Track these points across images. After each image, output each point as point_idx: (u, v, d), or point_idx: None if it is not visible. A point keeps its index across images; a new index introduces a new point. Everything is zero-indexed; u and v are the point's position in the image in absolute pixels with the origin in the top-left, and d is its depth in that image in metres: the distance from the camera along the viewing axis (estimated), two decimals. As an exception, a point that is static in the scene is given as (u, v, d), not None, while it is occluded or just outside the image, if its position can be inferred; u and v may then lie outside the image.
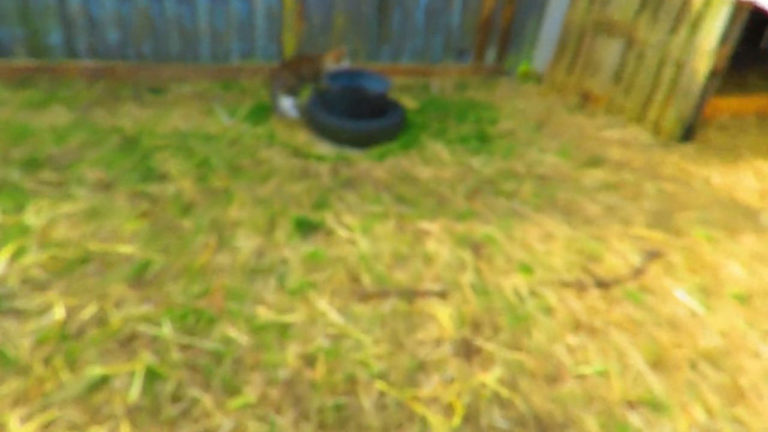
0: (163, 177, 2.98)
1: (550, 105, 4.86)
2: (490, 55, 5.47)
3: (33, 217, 2.50)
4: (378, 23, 4.94)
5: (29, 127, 3.26)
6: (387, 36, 5.04)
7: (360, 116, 3.48)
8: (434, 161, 3.54)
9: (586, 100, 5.03)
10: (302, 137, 3.65)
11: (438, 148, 3.71)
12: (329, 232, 2.73)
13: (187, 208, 2.74)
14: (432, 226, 2.86)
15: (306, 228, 2.72)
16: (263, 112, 3.89)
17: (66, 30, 4.12)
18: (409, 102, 4.40)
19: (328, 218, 2.81)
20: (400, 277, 2.48)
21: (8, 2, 3.90)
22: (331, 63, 3.82)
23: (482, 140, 3.94)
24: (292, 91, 3.76)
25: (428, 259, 2.62)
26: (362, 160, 3.44)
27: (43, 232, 2.42)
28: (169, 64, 4.49)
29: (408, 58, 5.22)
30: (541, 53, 5.42)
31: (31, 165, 2.91)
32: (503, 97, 4.94)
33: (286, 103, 3.75)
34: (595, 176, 3.62)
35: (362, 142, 3.54)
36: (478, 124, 4.22)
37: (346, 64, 3.85)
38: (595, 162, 3.81)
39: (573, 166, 3.73)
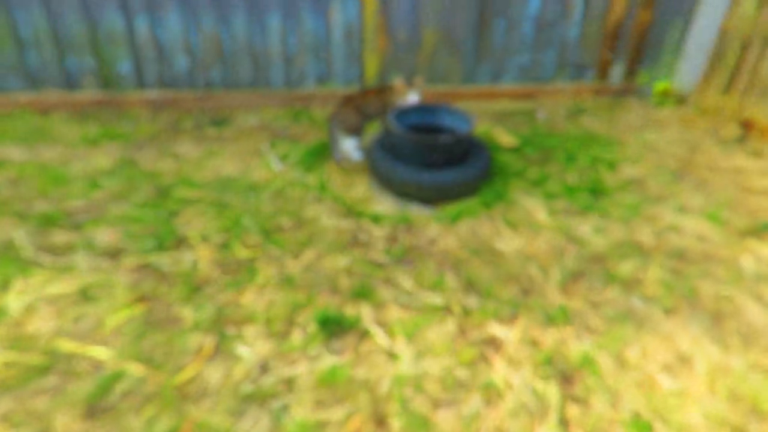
0: (181, 242, 2.50)
1: (697, 138, 3.74)
2: (617, 71, 4.42)
3: (14, 299, 2.12)
4: (475, 38, 4.16)
5: (65, 174, 2.98)
6: (486, 53, 4.24)
7: (432, 164, 2.77)
8: (525, 226, 2.70)
9: (748, 131, 3.82)
10: (360, 190, 2.99)
11: (533, 206, 2.86)
12: (363, 335, 2.04)
13: (195, 290, 2.22)
14: (507, 333, 2.07)
15: (333, 328, 2.06)
16: (322, 153, 3.33)
17: (135, 58, 3.89)
18: (504, 137, 3.58)
19: (366, 313, 2.12)
20: (446, 426, 1.75)
21: (76, 29, 3.75)
22: (400, 95, 3.16)
23: (596, 193, 3.02)
24: (355, 131, 3.14)
25: (492, 394, 1.83)
26: (429, 224, 2.70)
27: (17, 323, 2.03)
28: (238, 91, 4.12)
29: (511, 78, 4.37)
30: (687, 68, 4.26)
31: (46, 222, 2.57)
32: (631, 127, 3.91)
33: (348, 145, 3.14)
34: (763, 255, 2.58)
35: (432, 197, 2.80)
36: (593, 167, 3.28)
37: (415, 97, 3.16)
38: (762, 231, 2.73)
39: (728, 237, 2.67)
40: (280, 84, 4.18)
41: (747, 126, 3.89)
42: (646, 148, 3.61)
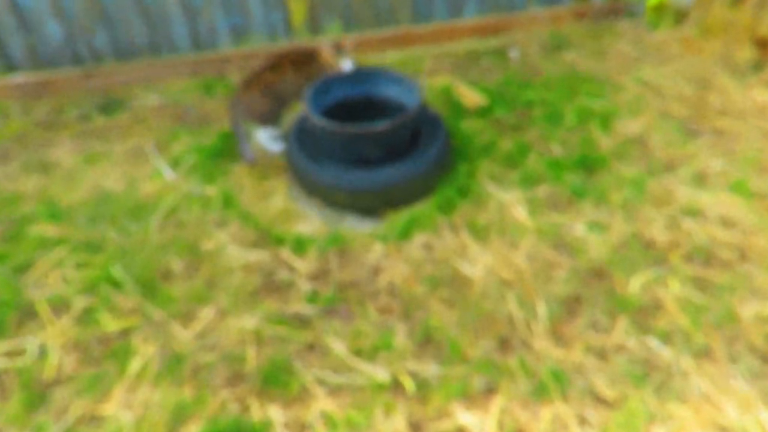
0: (25, 317, 1.78)
1: (705, 69, 2.99)
2: (603, -13, 3.60)
3: None
4: (425, -37, 3.29)
5: None
6: (439, -19, 3.38)
7: (368, 160, 2.06)
8: (498, 234, 2.01)
9: (766, 52, 3.10)
10: (278, 201, 2.22)
11: (508, 200, 2.14)
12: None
13: (37, 401, 1.58)
14: (480, 422, 1.47)
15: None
16: (228, 148, 2.50)
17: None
18: (469, 95, 2.80)
19: (277, 416, 1.49)
20: None
21: None
22: (328, 64, 2.35)
23: (589, 168, 2.31)
24: (269, 120, 2.38)
25: None
26: (370, 245, 1.99)
27: None
28: (133, 61, 3.26)
29: (474, 10, 3.53)
30: None
31: None
32: (624, 59, 3.14)
33: (261, 137, 2.40)
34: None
35: (372, 205, 2.09)
36: (583, 127, 2.55)
37: (348, 64, 2.36)
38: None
39: (763, 218, 2.02)
40: (186, 46, 3.31)
41: (764, 46, 3.16)
42: (646, 88, 2.86)
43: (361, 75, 2.33)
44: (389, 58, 3.28)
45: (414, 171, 2.05)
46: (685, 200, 2.12)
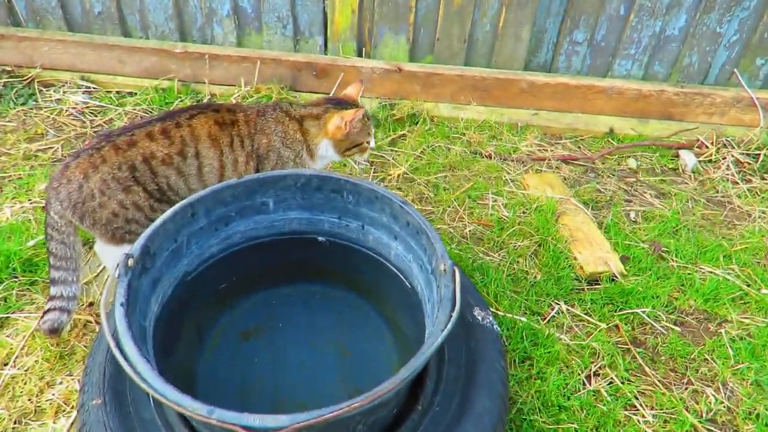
0: None
1: None
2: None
3: None
4: None
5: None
6: None
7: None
8: None
9: None
10: None
11: None
12: None
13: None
14: None
15: None
16: None
17: None
18: (615, 263, 2.55)
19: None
20: None
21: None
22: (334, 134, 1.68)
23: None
24: (119, 236, 1.56)
25: None
26: None
27: None
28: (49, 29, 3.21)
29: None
30: None
31: None
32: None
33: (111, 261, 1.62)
34: None
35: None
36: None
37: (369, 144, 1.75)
38: None
39: None
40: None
41: None
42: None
43: (316, 186, 1.40)
44: (466, 118, 3.09)
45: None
46: None
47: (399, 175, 2.48)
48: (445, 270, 1.11)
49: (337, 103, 1.72)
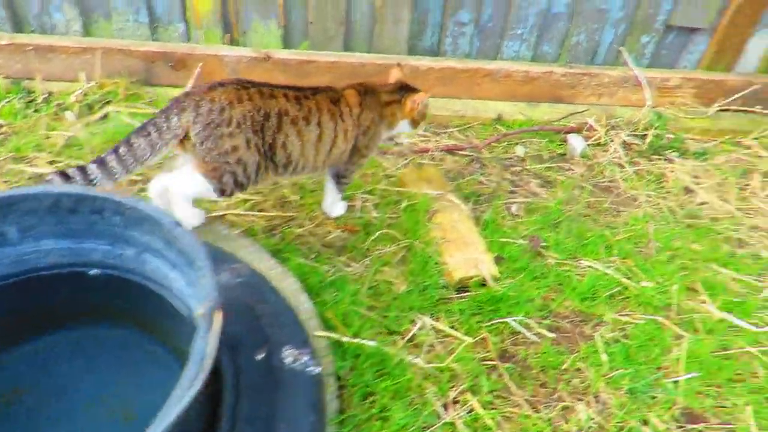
0: None
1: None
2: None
3: None
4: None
5: None
6: None
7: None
8: None
9: None
10: None
11: None
12: None
13: None
14: None
15: None
16: None
17: None
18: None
19: None
20: None
21: None
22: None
23: None
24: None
25: None
26: None
27: None
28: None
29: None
30: None
31: None
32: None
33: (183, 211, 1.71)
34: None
35: None
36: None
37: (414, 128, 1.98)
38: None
39: None
40: None
41: None
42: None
43: (70, 208, 1.12)
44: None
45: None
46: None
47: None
48: (203, 315, 0.85)
49: (405, 88, 1.93)
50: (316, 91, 1.75)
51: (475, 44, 2.94)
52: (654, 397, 1.51)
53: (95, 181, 1.45)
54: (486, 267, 1.79)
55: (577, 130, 2.77)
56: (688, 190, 2.47)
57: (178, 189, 1.63)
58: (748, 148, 2.83)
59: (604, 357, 1.59)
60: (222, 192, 1.62)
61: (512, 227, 2.07)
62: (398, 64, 2.05)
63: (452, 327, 1.63)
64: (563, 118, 2.85)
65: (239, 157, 1.58)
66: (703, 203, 2.39)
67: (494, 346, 1.59)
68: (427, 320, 1.65)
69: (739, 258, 2.07)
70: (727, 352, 1.67)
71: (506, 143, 2.66)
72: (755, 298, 1.89)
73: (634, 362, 1.59)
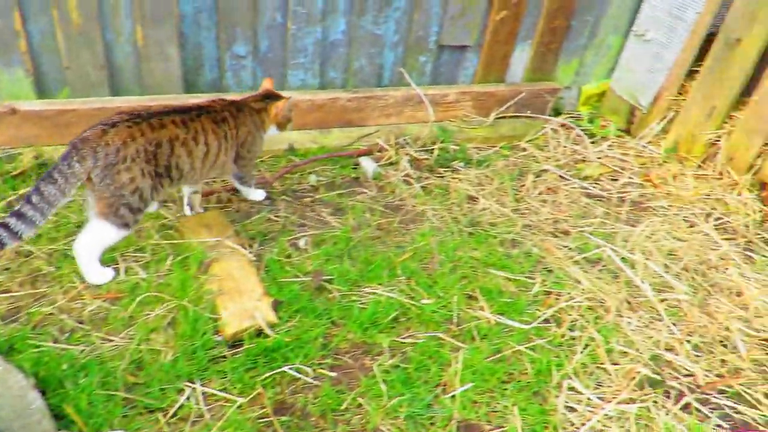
0: None
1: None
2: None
3: None
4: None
5: None
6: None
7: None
8: None
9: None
10: None
11: None
12: None
13: None
14: None
15: None
16: None
17: None
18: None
19: None
20: None
21: None
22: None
23: None
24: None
25: None
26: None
27: None
28: None
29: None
30: (631, 63, 3.26)
31: None
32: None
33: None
34: None
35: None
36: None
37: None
38: None
39: None
40: None
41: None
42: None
43: None
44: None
45: None
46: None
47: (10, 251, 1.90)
48: None
49: (270, 97, 2.22)
50: (200, 111, 1.96)
51: (259, 75, 2.87)
52: (431, 417, 1.54)
53: (20, 234, 1.63)
54: (262, 314, 1.71)
55: (369, 153, 2.83)
56: (471, 199, 2.62)
57: (83, 250, 1.79)
58: (524, 150, 3.12)
59: (383, 387, 1.59)
60: (124, 225, 1.78)
61: (298, 264, 2.02)
62: (267, 79, 2.31)
63: (224, 389, 1.52)
64: (355, 142, 2.90)
65: (136, 186, 1.75)
66: (484, 209, 2.56)
67: (270, 400, 1.50)
68: (198, 386, 1.51)
69: (514, 258, 2.23)
70: (500, 354, 1.77)
71: (299, 174, 2.62)
72: (527, 295, 2.04)
73: (413, 385, 1.61)
